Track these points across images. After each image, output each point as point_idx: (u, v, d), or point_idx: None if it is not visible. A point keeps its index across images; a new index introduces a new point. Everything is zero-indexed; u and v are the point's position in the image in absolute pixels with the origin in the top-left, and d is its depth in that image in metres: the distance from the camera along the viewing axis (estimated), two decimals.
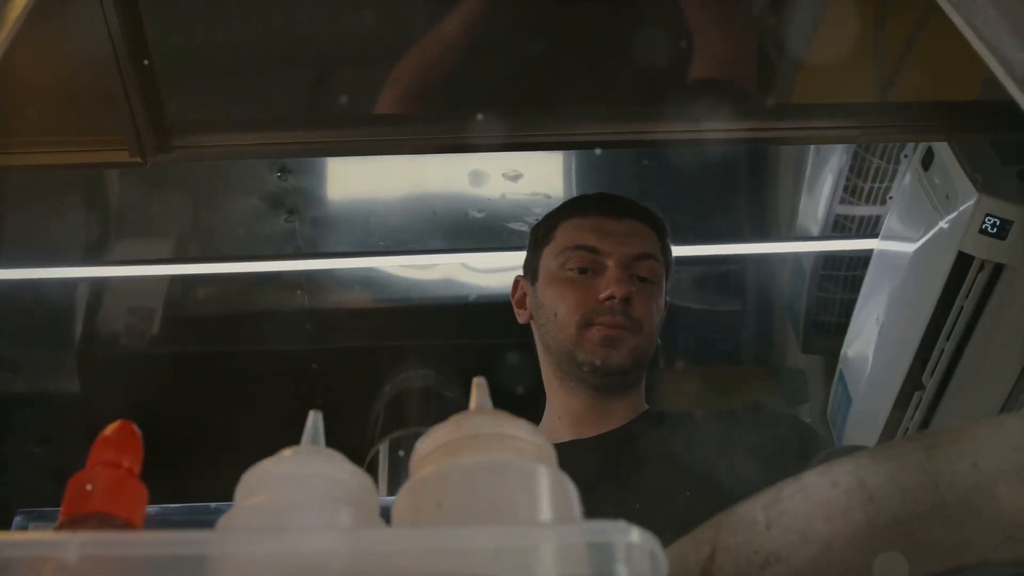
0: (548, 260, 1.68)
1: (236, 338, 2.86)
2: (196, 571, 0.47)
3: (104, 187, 2.64)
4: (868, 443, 2.44)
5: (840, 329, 2.70)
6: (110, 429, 0.57)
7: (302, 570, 0.45)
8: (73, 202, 2.61)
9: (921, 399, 2.33)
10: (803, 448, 1.55)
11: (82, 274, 2.76)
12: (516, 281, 1.76)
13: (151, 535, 0.48)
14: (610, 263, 1.62)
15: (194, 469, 2.05)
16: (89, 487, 0.53)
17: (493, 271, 2.72)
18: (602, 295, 1.58)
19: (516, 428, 0.51)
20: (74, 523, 0.52)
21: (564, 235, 1.68)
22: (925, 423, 2.36)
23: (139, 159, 1.49)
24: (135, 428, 0.57)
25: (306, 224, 2.65)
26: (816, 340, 2.90)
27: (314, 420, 0.58)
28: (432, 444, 0.51)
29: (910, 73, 1.93)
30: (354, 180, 2.66)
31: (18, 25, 0.79)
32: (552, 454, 0.52)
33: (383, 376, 2.91)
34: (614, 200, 1.76)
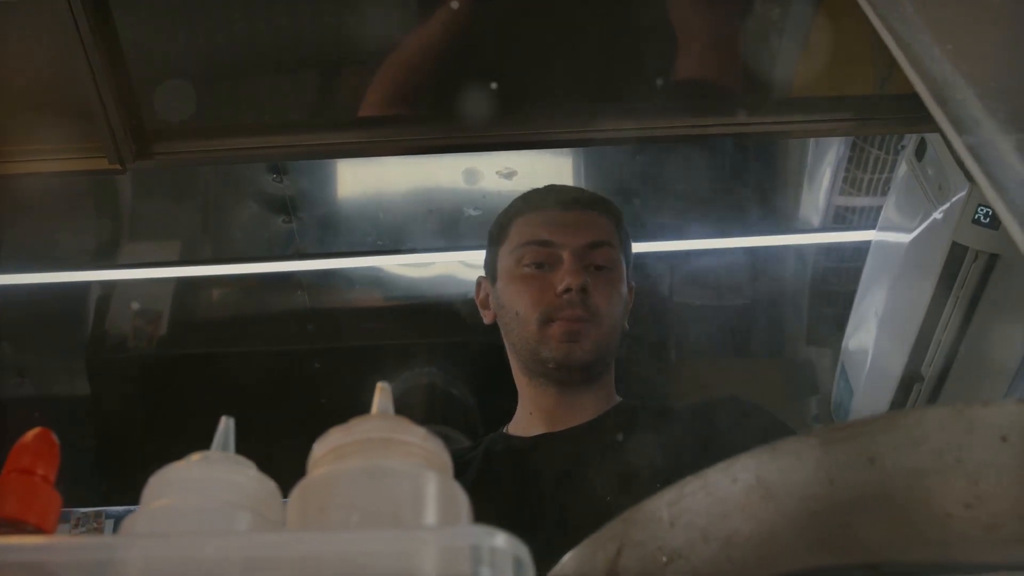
0: (504, 258, 1.67)
1: (239, 339, 2.88)
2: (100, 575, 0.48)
3: (105, 193, 2.65)
4: None
5: (844, 321, 2.69)
6: (28, 436, 0.58)
7: (197, 573, 0.46)
8: (72, 208, 2.63)
9: (921, 390, 2.32)
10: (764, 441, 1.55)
11: (81, 278, 2.78)
12: (479, 282, 1.76)
13: (55, 540, 0.49)
14: (565, 255, 1.61)
15: None
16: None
17: None
18: (559, 288, 1.58)
19: (408, 433, 0.51)
20: None
21: (517, 232, 1.67)
22: None
23: (118, 166, 1.50)
24: (53, 436, 0.58)
25: (304, 225, 2.66)
26: (821, 332, 2.89)
27: (225, 426, 0.58)
28: (324, 448, 0.51)
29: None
30: (349, 180, 2.67)
31: None
32: (446, 460, 0.52)
33: (385, 374, 2.91)
34: (564, 191, 1.76)
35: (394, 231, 2.68)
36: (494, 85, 1.71)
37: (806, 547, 0.49)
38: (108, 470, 2.82)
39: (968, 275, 2.09)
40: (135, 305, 2.87)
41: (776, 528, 0.49)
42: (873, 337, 2.48)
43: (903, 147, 2.39)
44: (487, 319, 1.72)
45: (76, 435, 2.77)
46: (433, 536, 0.43)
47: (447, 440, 2.13)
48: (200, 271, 2.75)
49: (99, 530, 2.84)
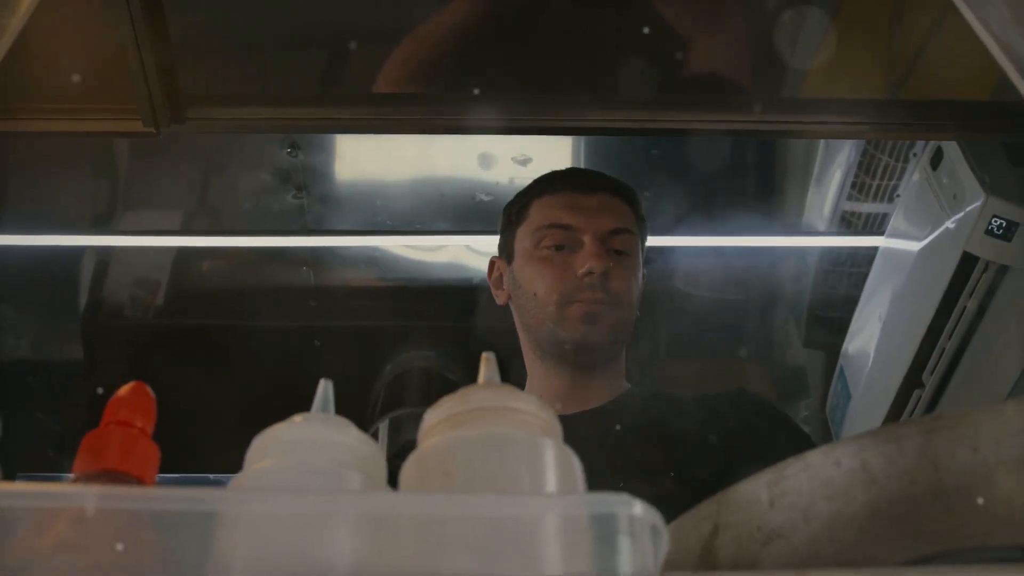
0: (523, 239, 1.67)
1: (240, 312, 2.87)
2: (205, 528, 0.48)
3: (113, 156, 2.64)
4: None
5: (842, 325, 2.71)
6: (124, 390, 0.58)
7: (310, 531, 0.46)
8: (82, 171, 2.62)
9: (920, 397, 2.33)
10: (779, 437, 1.56)
11: (88, 243, 2.77)
12: (492, 262, 1.75)
13: (167, 491, 0.48)
14: (586, 239, 1.60)
15: (192, 441, 2.06)
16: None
17: None
18: (580, 271, 1.57)
19: (522, 402, 0.52)
20: (87, 479, 0.53)
21: (537, 213, 1.67)
22: None
23: (152, 129, 1.50)
24: (149, 390, 0.58)
25: (314, 201, 2.66)
26: (818, 335, 2.91)
27: (324, 388, 0.58)
28: (439, 416, 0.52)
29: (924, 71, 1.93)
30: (363, 159, 2.66)
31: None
32: (558, 428, 0.53)
33: (385, 355, 2.92)
34: (585, 175, 1.77)
35: (404, 213, 2.68)
36: (516, 68, 1.72)
37: (910, 531, 0.50)
38: None
39: (977, 285, 2.11)
40: (136, 273, 2.86)
41: (878, 511, 0.50)
42: (875, 342, 2.50)
43: (914, 155, 2.41)
44: (500, 300, 1.72)
45: (79, 403, 2.76)
46: (572, 502, 0.43)
47: None
48: (207, 242, 2.74)
49: None
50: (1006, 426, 0.50)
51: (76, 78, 1.43)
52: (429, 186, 2.63)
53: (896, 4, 1.88)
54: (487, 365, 0.57)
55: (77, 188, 2.64)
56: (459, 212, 2.66)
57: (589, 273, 1.57)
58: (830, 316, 2.85)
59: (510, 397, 0.52)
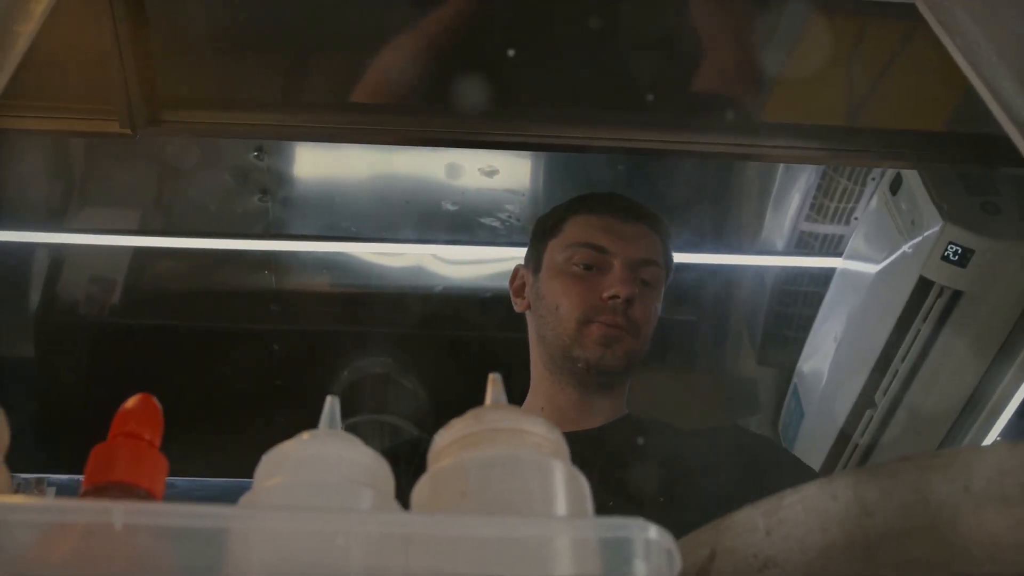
0: (553, 253, 1.69)
1: (199, 313, 2.85)
2: (219, 544, 0.49)
3: (77, 152, 2.62)
4: (817, 457, 2.50)
5: (797, 343, 2.75)
6: (131, 401, 0.59)
7: (324, 549, 0.47)
8: (43, 167, 2.59)
9: (872, 417, 2.38)
10: (777, 475, 1.57)
11: (45, 240, 2.73)
12: (516, 270, 1.78)
13: (194, 508, 0.49)
14: (616, 263, 1.64)
15: None
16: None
17: (462, 263, 2.74)
18: (606, 294, 1.60)
19: (533, 424, 0.53)
20: (97, 492, 0.53)
21: (573, 230, 1.70)
22: (874, 441, 2.41)
23: (129, 131, 1.50)
24: (156, 401, 0.59)
25: (279, 204, 2.65)
26: (772, 353, 2.95)
27: (331, 404, 0.59)
28: (451, 436, 0.53)
29: (883, 99, 1.97)
30: (329, 164, 2.66)
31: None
32: (566, 451, 0.54)
33: (344, 361, 2.91)
34: (625, 202, 1.79)
35: (370, 219, 2.68)
36: (492, 83, 1.73)
37: (901, 563, 0.52)
38: (51, 437, 2.78)
39: (932, 309, 2.16)
40: (93, 271, 2.83)
41: (872, 543, 0.52)
42: (830, 362, 2.54)
43: (872, 179, 2.46)
44: (519, 307, 1.75)
45: (19, 399, 2.72)
46: (590, 525, 0.45)
47: (398, 431, 2.15)
48: (168, 243, 2.72)
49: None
50: (996, 466, 0.52)
51: (55, 77, 1.42)
52: (395, 193, 2.63)
53: (857, 31, 1.92)
54: (494, 386, 0.58)
55: (35, 184, 2.61)
56: (425, 220, 2.66)
57: (614, 297, 1.60)
58: (784, 335, 2.89)
59: (522, 419, 0.53)
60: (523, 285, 1.74)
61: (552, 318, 1.64)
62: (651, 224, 1.73)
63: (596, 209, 1.73)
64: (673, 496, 1.45)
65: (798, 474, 1.60)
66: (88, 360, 2.85)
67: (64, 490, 2.86)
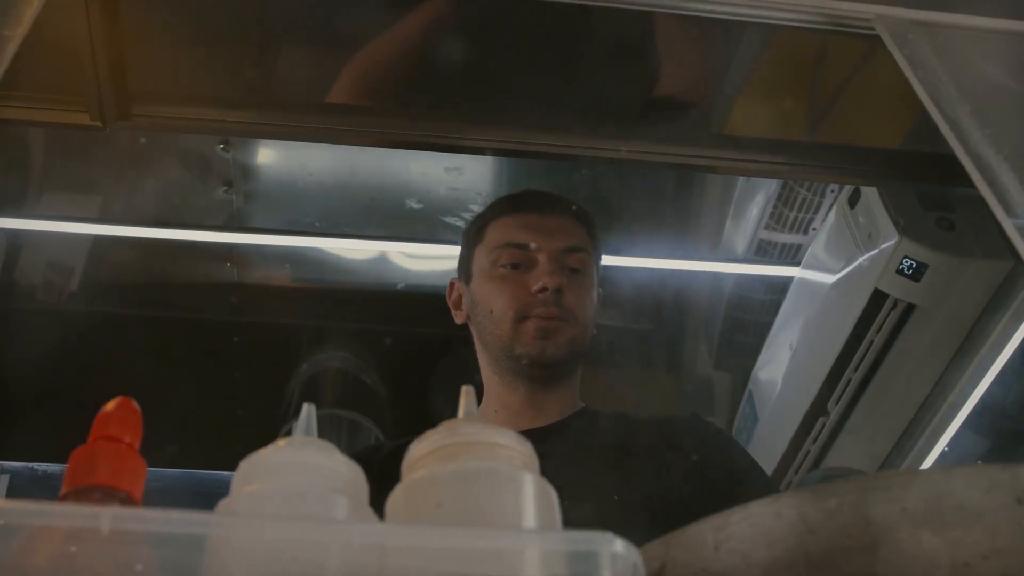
0: (480, 259, 1.71)
1: (159, 304, 2.85)
2: (194, 551, 0.50)
3: (38, 139, 2.60)
4: (769, 462, 2.54)
5: (753, 350, 2.79)
6: (111, 405, 0.60)
7: (303, 556, 0.49)
8: (2, 152, 2.57)
9: (824, 425, 2.43)
10: (727, 465, 1.60)
11: (5, 225, 2.71)
12: (451, 284, 1.79)
13: (181, 514, 0.50)
14: (541, 257, 1.65)
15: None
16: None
17: (425, 259, 2.76)
18: (535, 288, 1.62)
19: (505, 437, 0.55)
20: (78, 495, 0.55)
21: (494, 233, 1.71)
22: (826, 448, 2.46)
23: (99, 123, 1.50)
24: (135, 404, 0.60)
25: (242, 197, 2.65)
26: (728, 358, 2.99)
27: (308, 412, 0.61)
28: (426, 448, 0.55)
29: (842, 117, 2.01)
30: (295, 159, 2.66)
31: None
32: (536, 462, 0.57)
33: (302, 355, 2.92)
34: (542, 196, 1.81)
35: (334, 214, 2.69)
36: (471, 89, 1.75)
37: None
38: (6, 423, 2.76)
39: (885, 321, 2.21)
40: (51, 258, 2.81)
41: (814, 561, 0.55)
42: (784, 369, 2.58)
43: (831, 190, 2.50)
44: (458, 319, 1.76)
45: None
46: (559, 539, 0.47)
47: (356, 427, 2.16)
48: (130, 232, 2.70)
49: None
50: (932, 489, 0.56)
51: (26, 67, 1.42)
52: (360, 190, 2.65)
53: (818, 51, 1.95)
54: (467, 398, 0.60)
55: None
56: (388, 217, 2.68)
57: (543, 289, 1.62)
58: (740, 341, 2.92)
59: (495, 432, 0.55)
60: (460, 297, 1.76)
61: (489, 322, 1.66)
62: (569, 213, 1.75)
63: (514, 208, 1.75)
64: (628, 487, 1.47)
65: (747, 470, 1.63)
66: (44, 347, 2.83)
67: (18, 477, 2.85)
